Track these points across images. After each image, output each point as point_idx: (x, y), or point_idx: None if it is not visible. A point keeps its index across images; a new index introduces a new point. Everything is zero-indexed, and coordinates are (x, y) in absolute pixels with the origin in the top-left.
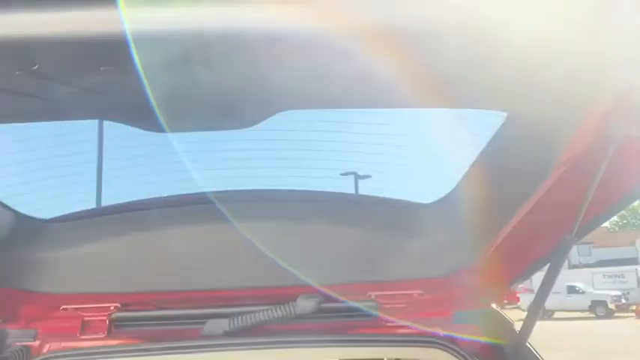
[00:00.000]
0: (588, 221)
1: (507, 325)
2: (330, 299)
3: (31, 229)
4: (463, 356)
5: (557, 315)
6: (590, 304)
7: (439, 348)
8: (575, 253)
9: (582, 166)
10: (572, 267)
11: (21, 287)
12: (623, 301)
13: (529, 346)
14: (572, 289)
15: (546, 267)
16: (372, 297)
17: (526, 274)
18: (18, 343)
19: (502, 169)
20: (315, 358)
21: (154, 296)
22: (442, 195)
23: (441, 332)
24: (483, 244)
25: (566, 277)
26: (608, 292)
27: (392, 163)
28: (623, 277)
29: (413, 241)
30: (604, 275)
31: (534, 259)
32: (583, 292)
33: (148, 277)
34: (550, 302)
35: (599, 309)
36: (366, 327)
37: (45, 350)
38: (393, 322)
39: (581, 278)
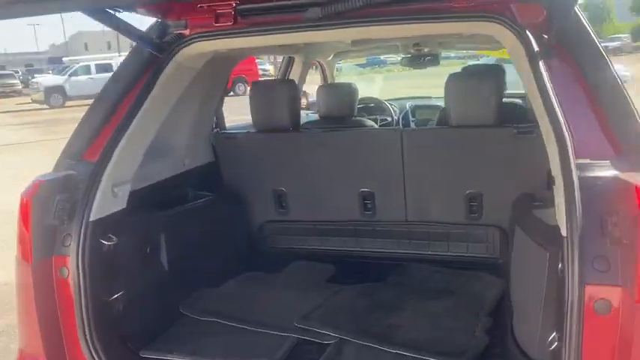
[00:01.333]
0: None
1: None
2: None
3: None
4: (517, 32)
5: None
6: None
7: (499, 23)
8: None
9: None
10: None
11: None
12: None
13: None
14: None
15: None
16: None
17: None
18: (175, 32)
19: None
20: (392, 33)
21: None
22: None
23: (503, 11)
24: None
25: None
26: None
27: None
28: None
29: None
30: None
31: None
32: None
33: None
34: None
35: None
36: (436, 9)
37: (191, 33)
38: (460, 3)
39: None
